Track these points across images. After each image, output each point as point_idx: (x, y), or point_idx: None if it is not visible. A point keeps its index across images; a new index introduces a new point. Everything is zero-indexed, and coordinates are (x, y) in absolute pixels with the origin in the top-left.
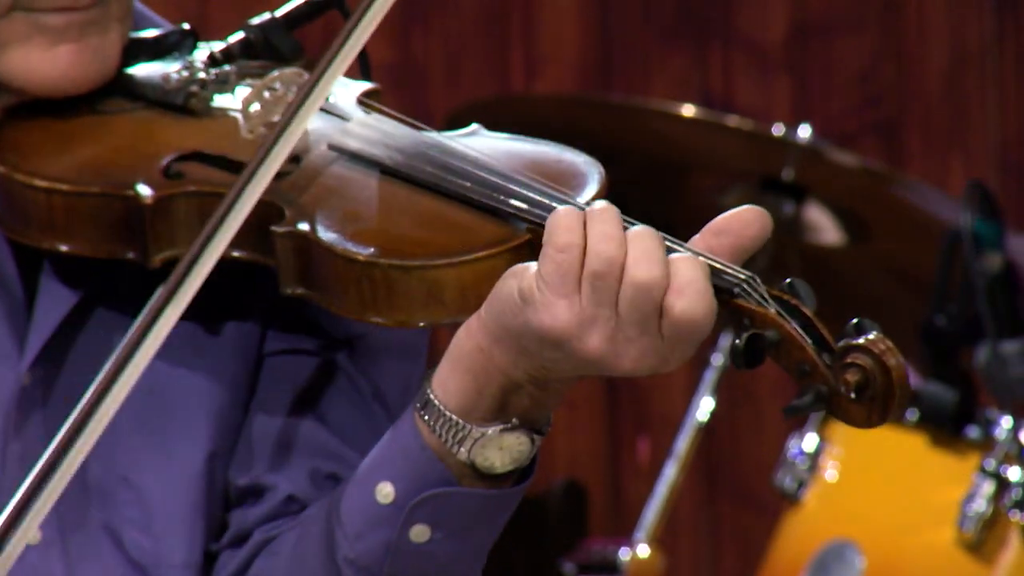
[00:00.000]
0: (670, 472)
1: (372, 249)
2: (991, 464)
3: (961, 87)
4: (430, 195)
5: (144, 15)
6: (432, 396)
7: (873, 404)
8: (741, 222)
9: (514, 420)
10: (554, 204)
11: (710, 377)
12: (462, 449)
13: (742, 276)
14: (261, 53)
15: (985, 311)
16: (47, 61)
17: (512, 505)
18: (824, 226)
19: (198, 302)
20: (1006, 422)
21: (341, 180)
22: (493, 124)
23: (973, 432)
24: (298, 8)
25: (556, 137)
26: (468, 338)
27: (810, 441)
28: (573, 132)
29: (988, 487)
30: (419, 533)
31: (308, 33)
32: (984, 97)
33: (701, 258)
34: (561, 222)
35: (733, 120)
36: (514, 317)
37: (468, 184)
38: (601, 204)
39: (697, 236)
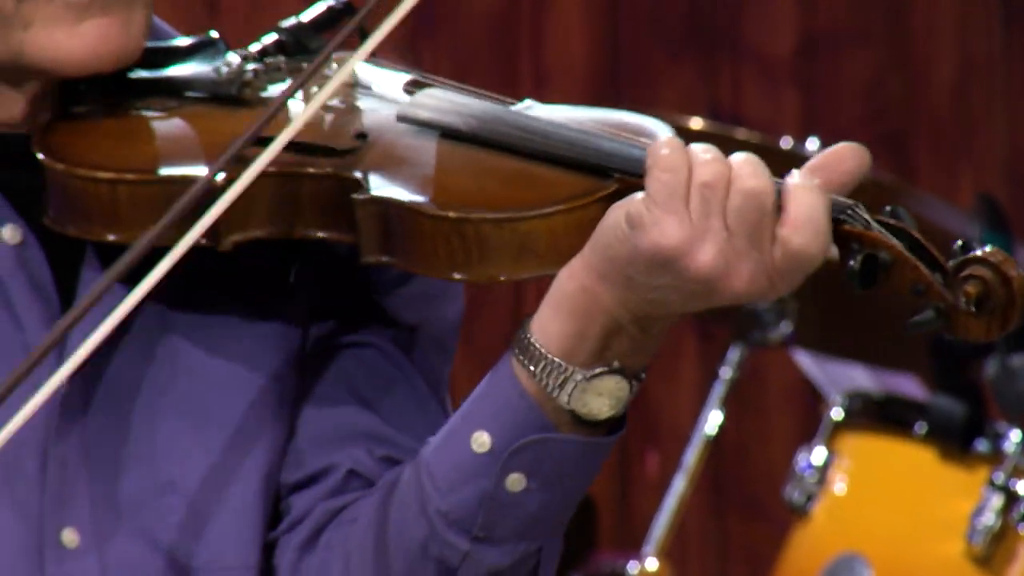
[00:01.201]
0: (679, 485)
1: (461, 206)
2: (1000, 477)
3: (969, 99)
4: (510, 156)
5: (164, 30)
6: (533, 339)
7: (993, 316)
8: (837, 157)
9: (615, 363)
10: (637, 151)
11: (718, 390)
12: (563, 393)
13: (847, 202)
14: (294, 52)
15: None
16: (75, 37)
17: (606, 454)
18: None
19: (238, 298)
20: (1015, 435)
21: (416, 149)
22: None
23: (982, 445)
24: (321, 15)
25: None
26: (570, 279)
27: (819, 454)
28: None
29: (997, 501)
30: (515, 482)
31: None
32: (992, 109)
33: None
34: (665, 144)
35: (741, 132)
36: (622, 245)
37: (549, 141)
38: None
39: (794, 174)
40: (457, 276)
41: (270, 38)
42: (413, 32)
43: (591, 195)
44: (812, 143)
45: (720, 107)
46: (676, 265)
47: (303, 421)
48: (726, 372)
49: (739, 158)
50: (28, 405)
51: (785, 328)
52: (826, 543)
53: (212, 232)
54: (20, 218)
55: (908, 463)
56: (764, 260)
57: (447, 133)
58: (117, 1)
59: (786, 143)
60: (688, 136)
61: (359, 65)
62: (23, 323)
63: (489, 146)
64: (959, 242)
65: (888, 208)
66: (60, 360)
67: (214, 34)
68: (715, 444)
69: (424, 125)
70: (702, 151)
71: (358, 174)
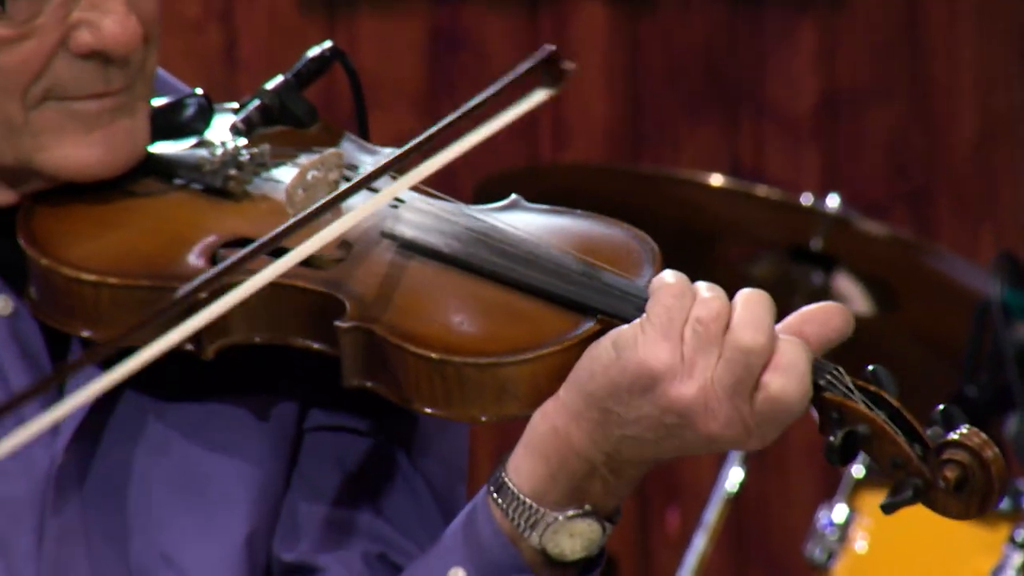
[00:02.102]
0: (700, 542)
1: (443, 345)
2: (1021, 535)
3: (991, 156)
4: (491, 284)
5: (160, 78)
6: (506, 479)
7: (972, 498)
8: (825, 314)
9: (587, 507)
10: (621, 292)
11: None
12: (534, 534)
13: (828, 367)
14: (279, 118)
15: (1015, 381)
16: (82, 148)
17: None
18: (853, 296)
19: (230, 379)
20: None
21: (399, 270)
22: (521, 193)
23: (1003, 503)
24: (305, 66)
25: (584, 207)
26: (543, 421)
27: (840, 512)
28: (602, 201)
29: (1018, 558)
30: None
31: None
32: (1014, 166)
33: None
34: (672, 273)
35: (762, 189)
36: (604, 373)
37: (531, 273)
38: None
39: (779, 325)
40: (437, 412)
41: (253, 105)
42: (432, 90)
43: (572, 338)
44: (833, 200)
45: (741, 164)
46: (657, 390)
47: (299, 502)
48: None
49: (747, 304)
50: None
51: None
52: None
53: (196, 339)
54: (10, 289)
55: (928, 521)
56: (743, 408)
57: (429, 253)
58: (123, 110)
59: (807, 200)
60: (709, 193)
61: (352, 148)
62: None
63: (471, 271)
64: (940, 408)
65: (870, 369)
66: (56, 434)
67: (199, 91)
68: (736, 501)
69: (408, 244)
70: (706, 288)
71: (342, 294)
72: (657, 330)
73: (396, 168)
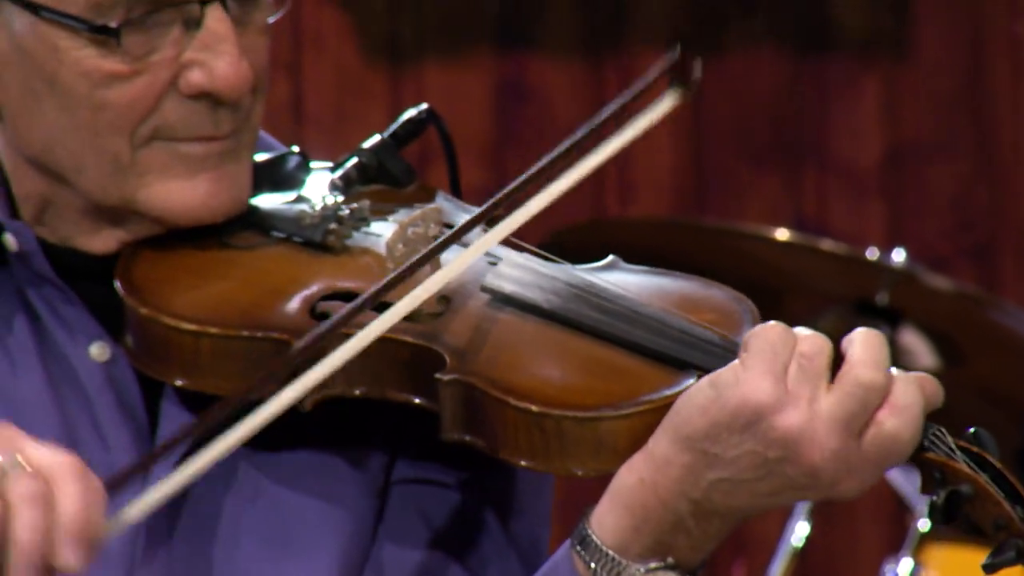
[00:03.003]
0: None
1: (543, 398)
2: None
3: None
4: (590, 339)
5: (258, 136)
6: (590, 532)
7: None
8: (924, 379)
9: (669, 559)
10: (722, 349)
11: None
12: None
13: (932, 427)
14: (376, 177)
15: None
16: (187, 190)
17: None
18: (919, 350)
19: (320, 431)
20: None
21: (499, 324)
22: (588, 247)
23: None
24: (402, 127)
25: (650, 261)
26: (629, 473)
27: (905, 566)
28: (667, 256)
29: None
30: None
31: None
32: None
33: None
34: (773, 322)
35: (827, 244)
36: (702, 413)
37: (630, 328)
38: None
39: (903, 377)
40: (535, 466)
41: (351, 162)
42: (499, 142)
43: (672, 394)
44: (898, 254)
45: (805, 218)
46: (762, 424)
47: (385, 555)
48: None
49: (863, 340)
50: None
51: None
52: None
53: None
54: (108, 335)
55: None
56: (850, 445)
57: (529, 308)
58: (229, 155)
59: (872, 254)
60: (773, 247)
61: (449, 207)
62: (110, 443)
63: (570, 326)
64: None
65: (971, 430)
66: (146, 483)
67: (296, 149)
68: (802, 555)
69: (507, 299)
70: (804, 329)
71: (441, 348)
72: (759, 365)
73: (493, 218)
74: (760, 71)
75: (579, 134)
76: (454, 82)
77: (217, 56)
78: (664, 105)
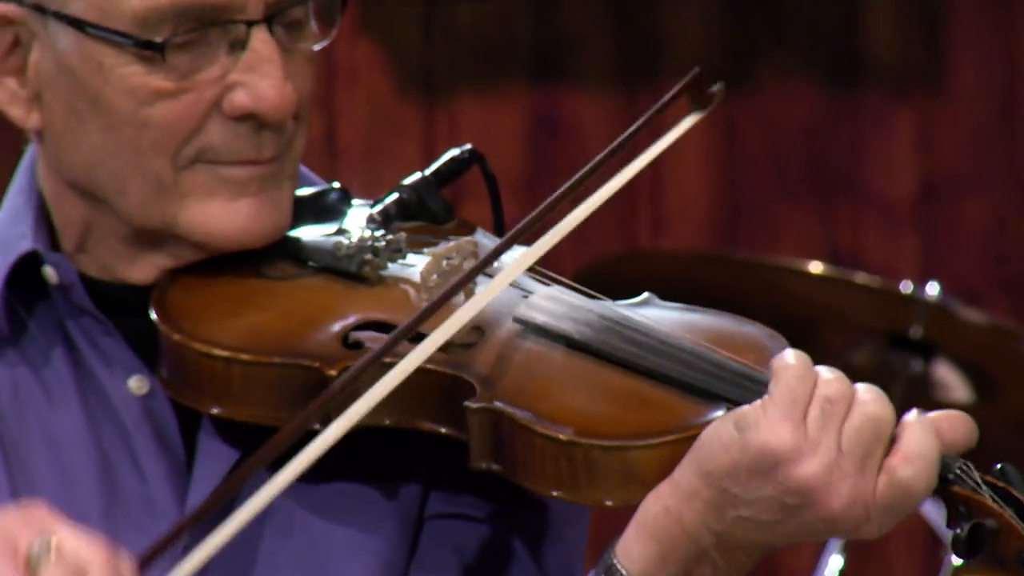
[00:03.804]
0: None
1: (571, 428)
2: None
3: None
4: (621, 370)
5: (299, 171)
6: (615, 562)
7: None
8: (952, 421)
9: None
10: (751, 382)
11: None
12: None
13: (958, 461)
14: (415, 213)
15: None
16: (228, 213)
17: None
18: (953, 384)
19: (355, 460)
20: None
21: (530, 354)
22: (621, 279)
23: None
24: (445, 165)
25: (683, 293)
26: (655, 502)
27: None
28: (700, 289)
29: None
30: None
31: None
32: None
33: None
34: (794, 354)
35: (861, 277)
36: (724, 453)
37: (660, 360)
38: None
39: (917, 422)
40: (564, 496)
41: (391, 198)
42: (532, 175)
43: (700, 425)
44: (932, 288)
45: (839, 251)
46: (780, 471)
47: None
48: None
49: (867, 387)
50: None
51: None
52: None
53: (323, 419)
54: (146, 368)
55: None
56: (866, 488)
57: (560, 339)
58: (271, 180)
59: (906, 287)
60: (807, 281)
61: (488, 243)
62: (147, 476)
63: (600, 357)
64: None
65: (998, 467)
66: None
67: (337, 184)
68: None
69: (539, 329)
70: (827, 370)
71: (472, 377)
72: (780, 410)
73: (525, 240)
74: (794, 104)
75: (601, 155)
76: (488, 116)
77: (262, 77)
78: (684, 125)
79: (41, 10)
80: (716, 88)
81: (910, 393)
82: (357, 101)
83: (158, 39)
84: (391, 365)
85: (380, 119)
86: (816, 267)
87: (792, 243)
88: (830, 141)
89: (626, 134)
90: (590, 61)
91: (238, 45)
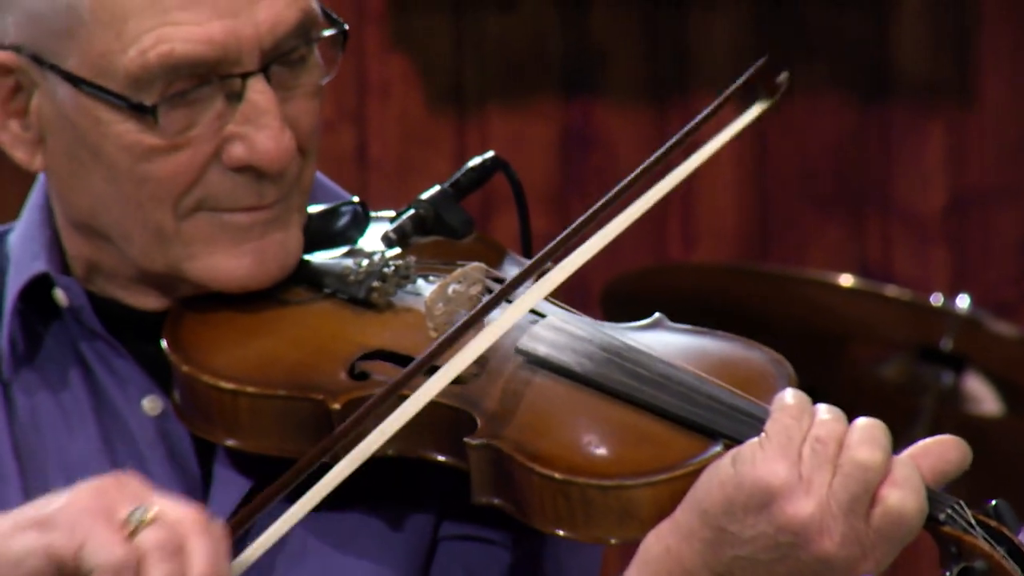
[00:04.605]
0: None
1: (568, 466)
2: None
3: None
4: (620, 404)
5: (319, 183)
6: None
7: None
8: (943, 447)
9: None
10: (749, 417)
11: None
12: None
13: (950, 501)
14: (433, 228)
15: None
16: (232, 260)
17: None
18: (983, 396)
19: (371, 484)
20: None
21: (530, 387)
22: (650, 293)
23: None
24: (464, 175)
25: (713, 307)
26: (657, 541)
27: None
28: (730, 302)
29: None
30: None
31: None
32: None
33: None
34: (793, 393)
35: (891, 290)
36: (720, 490)
37: (660, 395)
38: None
39: (898, 457)
40: (562, 533)
41: (408, 214)
42: (563, 189)
43: (697, 463)
44: (963, 300)
45: (870, 264)
46: (773, 508)
47: None
48: None
49: (863, 426)
50: None
51: None
52: None
53: (332, 451)
54: (159, 389)
55: None
56: (858, 527)
57: (561, 371)
58: (275, 223)
59: (936, 300)
60: (837, 294)
61: (508, 261)
62: None
63: (601, 390)
64: None
65: (992, 504)
66: None
67: (355, 199)
68: None
69: (540, 361)
70: (825, 410)
71: (473, 410)
72: (775, 447)
73: (537, 273)
74: (824, 117)
75: (674, 140)
76: (518, 129)
77: (258, 129)
78: (751, 113)
79: (39, 61)
80: (782, 78)
81: (940, 406)
82: (388, 116)
83: (149, 101)
84: (404, 398)
85: (411, 133)
86: (846, 280)
87: (822, 256)
88: (860, 154)
89: (687, 128)
90: (620, 74)
91: (234, 97)
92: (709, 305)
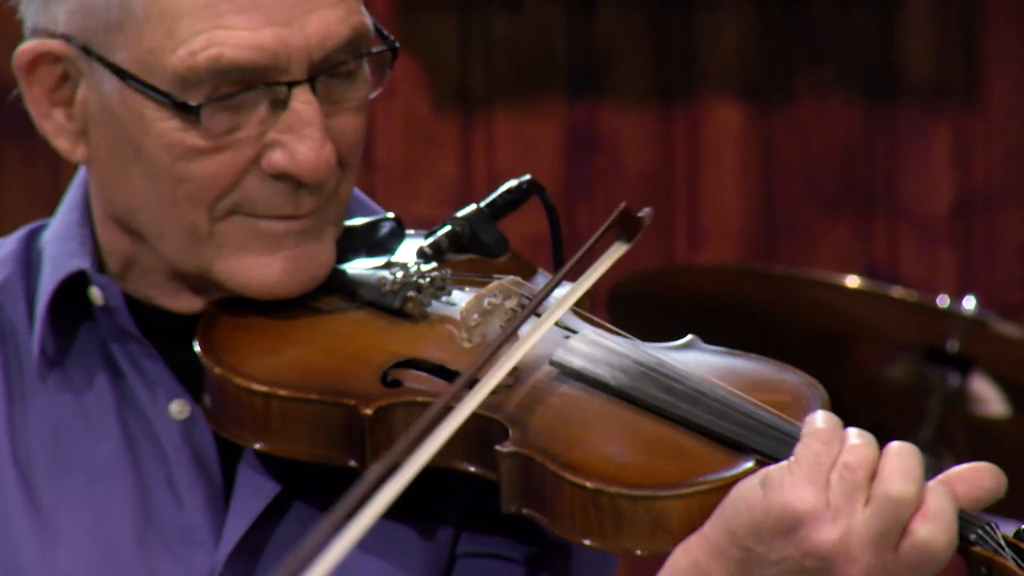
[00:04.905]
0: None
1: (599, 476)
2: None
3: None
4: (654, 418)
5: (355, 198)
6: None
7: None
8: (977, 474)
9: None
10: (782, 434)
11: None
12: None
13: (981, 521)
14: (467, 246)
15: None
16: (264, 267)
17: None
18: (990, 398)
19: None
20: None
21: (564, 398)
22: (658, 294)
23: None
24: (500, 197)
25: (720, 308)
26: (685, 555)
27: None
28: (736, 303)
29: None
30: None
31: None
32: None
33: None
34: (823, 417)
35: (898, 291)
36: (749, 511)
37: (693, 409)
38: None
39: (931, 482)
40: (593, 543)
41: (443, 231)
42: (569, 190)
43: (728, 477)
44: (969, 301)
45: (876, 266)
46: (800, 533)
47: None
48: None
49: (896, 454)
50: None
51: None
52: None
53: (360, 457)
54: (187, 393)
55: None
56: (886, 556)
57: (595, 384)
58: (309, 233)
59: (943, 302)
60: (844, 295)
61: (541, 279)
62: (184, 502)
63: (635, 404)
64: None
65: (1021, 527)
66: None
67: (391, 215)
68: None
69: (575, 374)
70: (856, 434)
71: (505, 418)
72: (804, 472)
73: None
74: (830, 119)
75: (557, 276)
76: (524, 130)
77: (300, 139)
78: (613, 255)
79: (88, 52)
80: (644, 213)
81: (946, 407)
82: (394, 116)
83: (195, 101)
84: (449, 409)
85: (417, 134)
86: (852, 281)
87: (828, 257)
88: (866, 155)
89: (571, 262)
90: (626, 75)
91: (279, 104)
92: (715, 306)
